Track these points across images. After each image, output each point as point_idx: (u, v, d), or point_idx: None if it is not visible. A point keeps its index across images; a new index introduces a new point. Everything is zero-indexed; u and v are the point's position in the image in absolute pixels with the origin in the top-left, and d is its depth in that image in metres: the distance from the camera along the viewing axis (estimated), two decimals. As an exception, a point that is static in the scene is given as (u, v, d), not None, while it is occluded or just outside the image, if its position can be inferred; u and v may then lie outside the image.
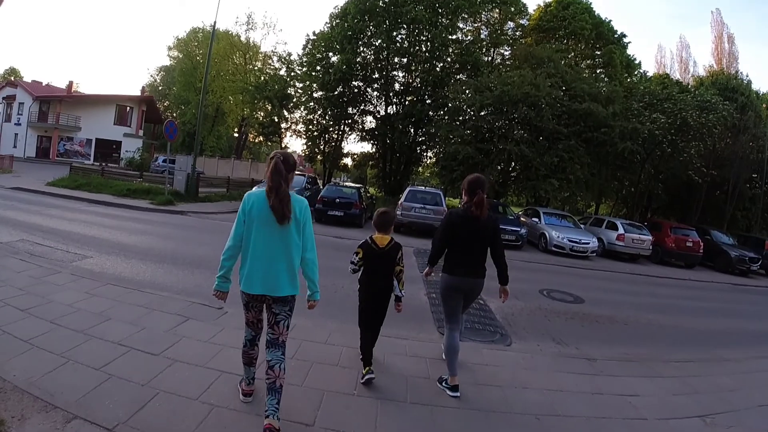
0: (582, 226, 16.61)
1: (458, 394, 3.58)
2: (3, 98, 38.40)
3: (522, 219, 16.48)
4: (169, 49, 51.25)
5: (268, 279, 2.76)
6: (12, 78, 48.03)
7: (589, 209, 30.66)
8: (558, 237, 14.56)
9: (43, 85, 40.75)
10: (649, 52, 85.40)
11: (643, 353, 5.53)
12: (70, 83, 38.63)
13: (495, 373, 4.26)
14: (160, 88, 53.42)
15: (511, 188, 22.14)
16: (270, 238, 2.76)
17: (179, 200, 15.77)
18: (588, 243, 14.56)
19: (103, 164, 25.57)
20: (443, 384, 3.71)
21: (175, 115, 49.76)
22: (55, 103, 35.80)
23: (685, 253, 16.01)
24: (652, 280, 12.78)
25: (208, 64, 18.38)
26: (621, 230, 15.79)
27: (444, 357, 3.95)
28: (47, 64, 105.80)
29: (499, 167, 19.87)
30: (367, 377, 3.60)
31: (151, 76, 56.63)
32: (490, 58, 29.06)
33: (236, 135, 46.87)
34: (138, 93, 41.80)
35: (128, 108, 38.91)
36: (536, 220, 16.12)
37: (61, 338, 3.79)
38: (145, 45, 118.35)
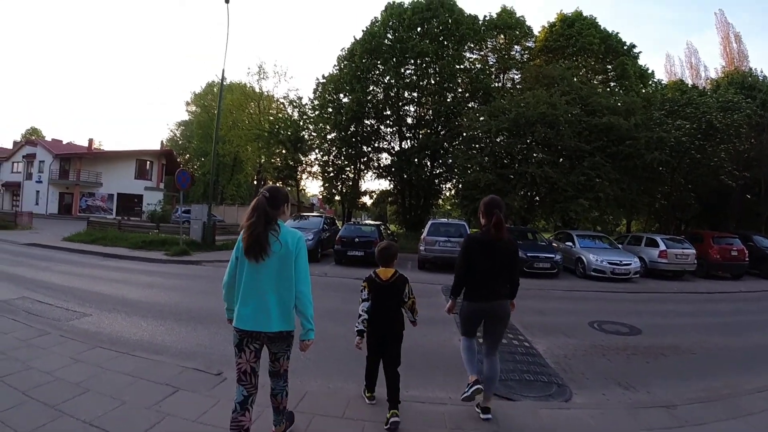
0: (619, 246, 15.47)
1: (481, 386, 3.51)
2: (23, 157, 39.82)
3: (554, 245, 15.44)
4: (187, 104, 53.31)
5: (259, 314, 2.68)
6: (33, 137, 49.90)
7: (618, 228, 29.29)
8: (597, 260, 13.46)
9: (64, 143, 42.22)
10: (656, 62, 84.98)
11: (720, 387, 4.69)
12: (91, 141, 39.89)
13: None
14: (180, 141, 55.01)
15: (537, 213, 21.14)
16: (259, 273, 2.69)
17: (195, 249, 15.32)
18: (629, 264, 13.43)
19: (120, 218, 25.68)
20: (467, 389, 3.55)
21: (195, 166, 50.87)
22: (76, 161, 36.92)
23: (731, 263, 14.85)
24: (704, 297, 11.66)
25: (219, 112, 18.38)
26: (663, 246, 14.61)
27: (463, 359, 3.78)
28: (68, 124, 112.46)
29: (522, 192, 19.00)
30: (369, 403, 3.71)
31: (171, 131, 58.55)
32: (500, 84, 28.80)
33: (255, 182, 47.35)
34: (158, 147, 42.75)
35: (148, 162, 39.78)
36: (570, 244, 15.07)
37: (29, 414, 3.21)
38: (164, 102, 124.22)
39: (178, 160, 48.21)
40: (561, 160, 18.58)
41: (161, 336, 5.81)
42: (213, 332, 5.93)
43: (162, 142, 47.49)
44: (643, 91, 25.74)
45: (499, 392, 4.27)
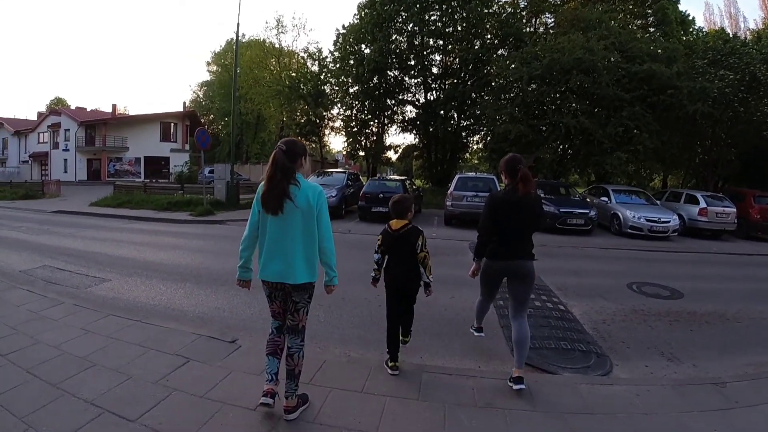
0: (657, 202, 14.60)
1: (483, 334, 4.17)
2: (48, 127, 40.28)
3: (587, 200, 14.68)
4: (208, 64, 52.40)
5: (283, 267, 2.73)
6: (58, 107, 50.58)
7: (652, 183, 27.87)
8: (634, 217, 12.72)
9: (88, 110, 42.44)
10: (695, 11, 79.07)
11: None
12: (114, 106, 40.02)
13: (604, 428, 2.95)
14: (203, 102, 54.61)
15: (570, 166, 20.16)
16: (282, 226, 2.71)
17: (219, 209, 15.34)
18: (668, 221, 12.68)
19: (146, 180, 25.94)
20: (471, 328, 4.21)
21: (219, 127, 50.76)
22: (101, 127, 37.16)
23: (773, 224, 13.78)
24: (745, 259, 10.90)
25: (235, 68, 17.84)
26: (703, 204, 13.75)
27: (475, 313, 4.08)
28: (92, 92, 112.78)
29: (554, 144, 18.04)
30: (391, 373, 3.49)
31: (194, 92, 57.98)
32: (532, 29, 26.92)
33: (278, 140, 47.06)
34: (180, 109, 42.70)
35: (172, 124, 39.76)
36: (605, 199, 14.27)
37: (29, 395, 3.03)
38: (186, 63, 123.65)
39: (202, 120, 48.21)
40: (597, 110, 17.40)
41: (179, 300, 5.68)
42: (232, 295, 5.74)
43: (184, 103, 47.32)
44: (684, 38, 23.65)
45: (534, 362, 3.95)
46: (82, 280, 6.52)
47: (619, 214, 13.14)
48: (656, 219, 12.63)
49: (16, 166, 41.66)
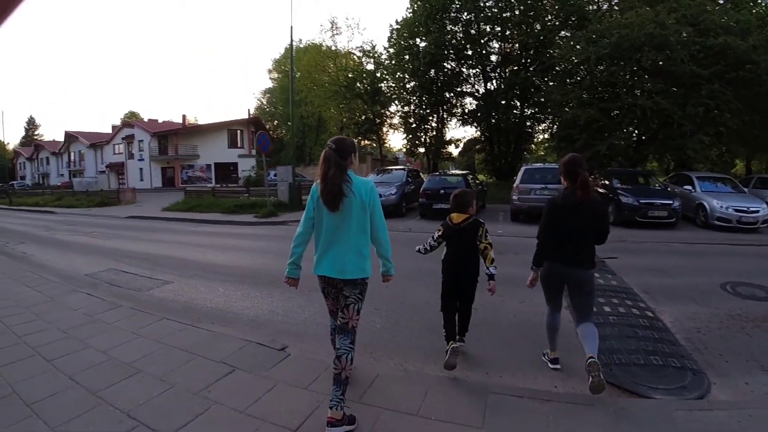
0: (745, 189, 12.99)
1: (558, 366, 3.61)
2: (123, 139, 43.53)
3: (669, 189, 13.32)
4: (270, 72, 54.33)
5: (336, 262, 2.75)
6: (131, 120, 54.42)
7: (733, 169, 25.07)
8: (721, 207, 11.30)
9: (160, 122, 45.32)
10: None
11: None
12: (184, 116, 42.57)
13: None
14: (267, 109, 56.69)
15: (648, 152, 18.49)
16: (336, 222, 2.75)
17: (283, 210, 15.65)
18: (758, 211, 11.15)
19: (214, 185, 27.09)
20: (545, 357, 3.75)
21: (283, 131, 52.41)
22: (172, 137, 39.62)
23: None
24: None
25: (291, 71, 18.16)
26: (794, 190, 12.04)
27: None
28: (164, 105, 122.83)
29: (629, 129, 16.61)
30: (451, 348, 3.32)
31: (258, 99, 60.41)
32: (595, 6, 25.14)
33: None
34: (245, 116, 44.55)
35: (239, 131, 41.64)
36: (689, 188, 12.81)
37: (68, 403, 3.00)
38: (251, 71, 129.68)
39: (267, 126, 49.88)
40: (673, 89, 15.79)
41: (235, 302, 5.66)
42: (288, 297, 5.63)
43: (249, 110, 49.28)
44: (754, 10, 20.94)
45: (621, 382, 3.40)
46: (145, 282, 6.72)
47: (705, 204, 11.74)
48: (745, 209, 11.17)
49: (93, 177, 45.18)
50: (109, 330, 4.40)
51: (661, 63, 15.32)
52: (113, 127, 50.10)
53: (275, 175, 22.61)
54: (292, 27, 18.18)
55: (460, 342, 3.66)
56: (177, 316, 4.87)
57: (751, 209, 11.20)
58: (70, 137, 52.69)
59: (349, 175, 2.73)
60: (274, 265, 7.62)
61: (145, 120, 48.81)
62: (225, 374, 3.44)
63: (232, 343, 4.03)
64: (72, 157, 53.93)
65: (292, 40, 17.66)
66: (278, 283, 6.32)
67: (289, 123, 47.38)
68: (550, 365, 3.65)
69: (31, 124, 78.76)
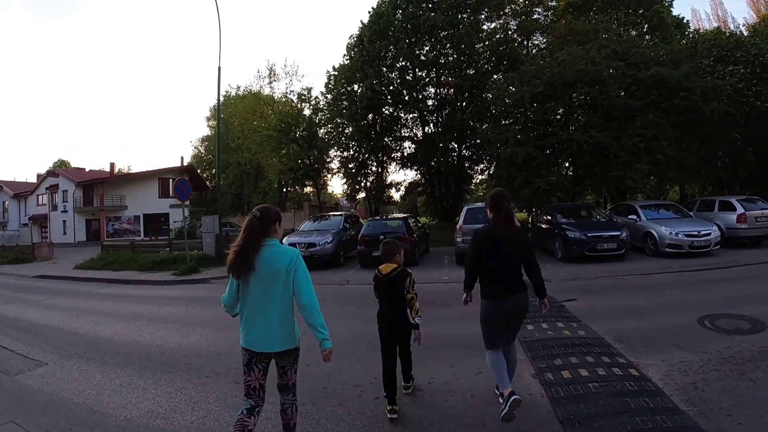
0: (690, 213, 13.11)
1: (518, 396, 3.10)
2: (46, 188, 40.36)
3: (614, 220, 13.20)
4: (207, 119, 52.97)
5: (264, 334, 2.65)
6: (59, 168, 50.74)
7: (663, 196, 26.40)
8: (671, 233, 11.14)
9: (86, 170, 42.46)
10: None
11: None
12: (112, 165, 40.06)
13: None
14: (204, 157, 54.80)
15: (587, 185, 18.74)
16: (259, 293, 2.64)
17: (207, 265, 14.07)
18: (708, 234, 11.10)
19: (143, 238, 25.05)
20: (501, 399, 3.31)
21: (222, 180, 50.42)
22: (98, 186, 36.95)
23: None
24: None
25: (218, 118, 16.96)
26: (740, 209, 12.29)
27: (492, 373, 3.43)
28: (95, 152, 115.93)
29: (567, 164, 16.72)
30: (390, 417, 3.35)
31: (195, 147, 58.47)
32: (525, 51, 26.35)
33: (278, 187, 46.47)
34: (179, 164, 42.55)
35: (170, 180, 39.37)
36: (633, 217, 12.72)
37: None
38: (188, 119, 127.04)
39: (204, 174, 47.82)
40: (608, 122, 16.20)
41: (109, 397, 4.27)
42: (177, 388, 4.35)
43: (182, 158, 47.34)
44: (683, 42, 22.89)
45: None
46: (17, 363, 5.52)
47: (653, 232, 11.59)
48: (696, 232, 11.10)
49: (16, 230, 41.45)
50: None
51: (594, 98, 15.65)
52: (38, 176, 46.28)
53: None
54: (220, 68, 17.16)
55: (405, 388, 3.80)
56: (27, 421, 3.68)
57: (702, 233, 11.12)
58: (-6, 187, 47.97)
59: (272, 244, 2.66)
60: (172, 341, 6.28)
61: (71, 169, 45.40)
62: None
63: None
64: (-6, 209, 49.00)
65: (219, 83, 16.51)
66: (169, 366, 5.09)
67: (226, 171, 45.75)
68: (506, 406, 3.28)
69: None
